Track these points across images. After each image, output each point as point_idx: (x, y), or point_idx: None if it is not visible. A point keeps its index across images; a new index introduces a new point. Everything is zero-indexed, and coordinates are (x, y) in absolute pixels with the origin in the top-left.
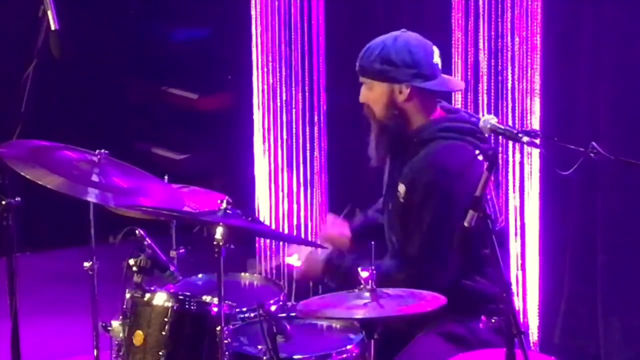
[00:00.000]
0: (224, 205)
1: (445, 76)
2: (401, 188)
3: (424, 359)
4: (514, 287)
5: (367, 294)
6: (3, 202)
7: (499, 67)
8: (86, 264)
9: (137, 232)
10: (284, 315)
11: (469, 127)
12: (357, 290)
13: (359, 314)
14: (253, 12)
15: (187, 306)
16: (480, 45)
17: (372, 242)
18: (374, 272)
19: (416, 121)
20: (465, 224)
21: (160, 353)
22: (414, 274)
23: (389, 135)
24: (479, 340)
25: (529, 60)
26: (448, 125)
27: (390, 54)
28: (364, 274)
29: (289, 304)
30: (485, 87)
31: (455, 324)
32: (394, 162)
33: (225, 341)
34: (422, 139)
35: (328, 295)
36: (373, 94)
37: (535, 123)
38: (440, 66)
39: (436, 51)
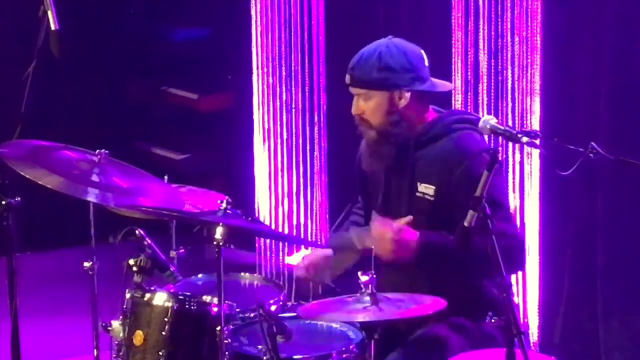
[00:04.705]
0: (224, 205)
1: (432, 79)
2: (425, 189)
3: (431, 347)
4: (514, 287)
5: (367, 298)
6: (3, 202)
7: (499, 67)
8: (86, 264)
9: (137, 232)
10: (284, 315)
11: (474, 117)
12: (358, 294)
13: (359, 318)
14: (253, 12)
15: (187, 306)
16: (480, 45)
17: (372, 247)
18: (373, 277)
19: (415, 124)
20: (465, 224)
21: (160, 353)
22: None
23: (394, 142)
24: (485, 334)
25: (529, 60)
26: (461, 117)
27: (388, 60)
28: (364, 278)
29: (289, 304)
30: (485, 87)
31: (462, 319)
32: (395, 169)
33: (225, 341)
34: (434, 135)
35: (328, 299)
36: (370, 104)
37: (535, 123)
38: (429, 68)
39: (424, 54)
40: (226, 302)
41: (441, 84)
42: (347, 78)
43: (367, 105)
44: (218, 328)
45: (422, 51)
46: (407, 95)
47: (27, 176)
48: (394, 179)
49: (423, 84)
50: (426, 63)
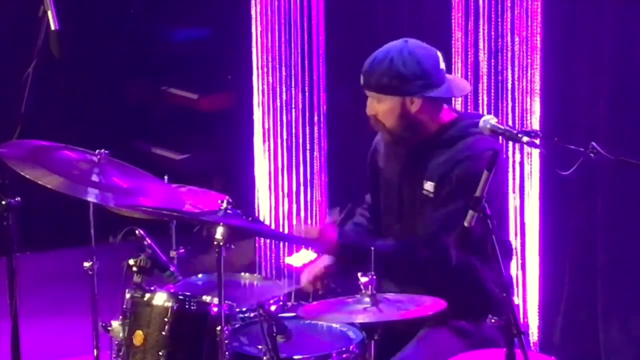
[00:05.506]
0: (224, 205)
1: (450, 76)
2: (429, 187)
3: (431, 351)
4: (514, 287)
5: (367, 299)
6: (3, 202)
7: (499, 67)
8: (86, 264)
9: (137, 232)
10: (284, 315)
11: None
12: (357, 295)
13: (359, 319)
14: (253, 12)
15: (187, 306)
16: (480, 45)
17: (372, 248)
18: (373, 278)
19: (429, 125)
20: (465, 224)
21: (160, 353)
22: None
23: (407, 145)
24: (485, 337)
25: (529, 60)
26: (476, 122)
27: (399, 67)
28: (364, 279)
29: (289, 304)
30: (485, 87)
31: (462, 321)
32: (408, 165)
33: (226, 341)
34: (451, 137)
35: (328, 300)
36: (382, 107)
37: (535, 123)
38: (445, 70)
39: (440, 56)
40: (226, 302)
41: (457, 88)
42: (361, 79)
43: (380, 108)
44: (218, 328)
45: (438, 52)
46: (419, 101)
47: (27, 176)
48: (407, 180)
49: (435, 90)
50: (441, 66)
